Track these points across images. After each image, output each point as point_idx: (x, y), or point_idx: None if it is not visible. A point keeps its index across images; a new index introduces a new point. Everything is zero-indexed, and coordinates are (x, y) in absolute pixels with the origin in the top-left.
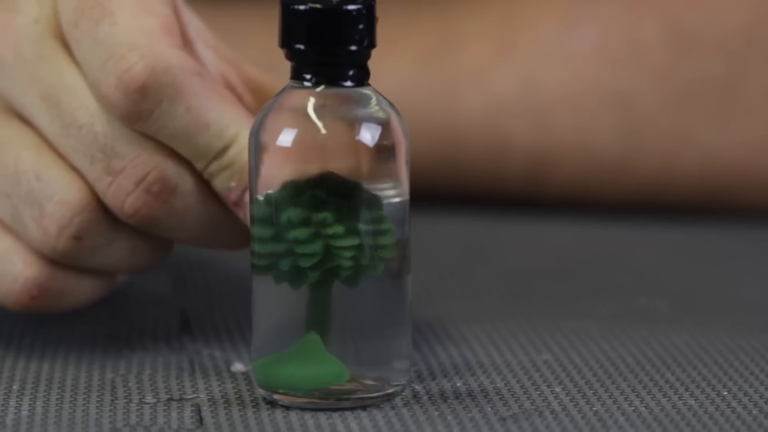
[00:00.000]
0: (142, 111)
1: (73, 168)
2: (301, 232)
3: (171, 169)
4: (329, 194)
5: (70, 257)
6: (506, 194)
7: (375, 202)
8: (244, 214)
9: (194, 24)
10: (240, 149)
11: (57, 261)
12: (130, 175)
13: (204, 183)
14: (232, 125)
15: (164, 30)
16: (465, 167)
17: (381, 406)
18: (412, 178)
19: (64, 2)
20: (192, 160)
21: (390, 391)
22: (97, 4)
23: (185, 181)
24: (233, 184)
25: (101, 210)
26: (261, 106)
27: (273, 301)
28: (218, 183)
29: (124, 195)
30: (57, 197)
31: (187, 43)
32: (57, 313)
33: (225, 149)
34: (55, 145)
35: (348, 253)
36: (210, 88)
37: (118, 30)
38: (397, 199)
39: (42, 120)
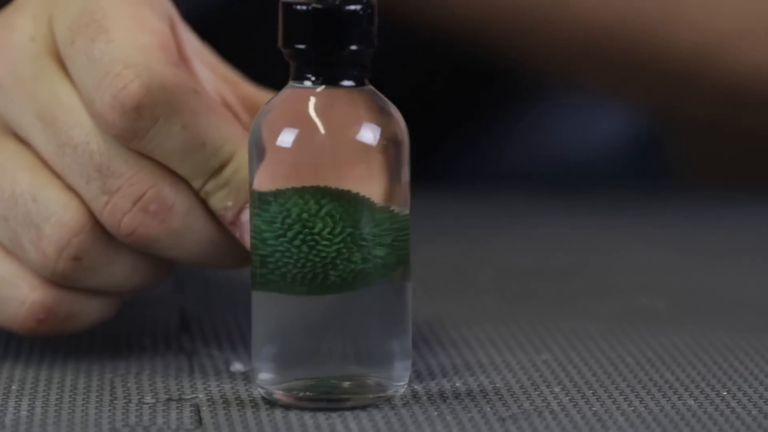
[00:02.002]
0: (137, 129)
1: (70, 188)
2: (300, 235)
3: (167, 188)
4: (329, 198)
5: (70, 279)
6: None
7: (376, 206)
8: (241, 234)
9: (191, 41)
10: (237, 168)
11: (61, 283)
12: (127, 195)
13: (201, 202)
14: (229, 144)
15: (160, 47)
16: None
17: (380, 406)
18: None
19: (59, 20)
20: (188, 179)
21: (390, 391)
22: (93, 21)
23: (182, 200)
24: (230, 203)
25: (99, 230)
26: None
27: (273, 306)
28: (215, 202)
29: (121, 215)
30: (54, 219)
31: (183, 61)
32: (65, 335)
33: (221, 168)
34: (51, 164)
35: (345, 261)
36: (206, 105)
37: (114, 47)
38: (397, 201)
39: (38, 139)
